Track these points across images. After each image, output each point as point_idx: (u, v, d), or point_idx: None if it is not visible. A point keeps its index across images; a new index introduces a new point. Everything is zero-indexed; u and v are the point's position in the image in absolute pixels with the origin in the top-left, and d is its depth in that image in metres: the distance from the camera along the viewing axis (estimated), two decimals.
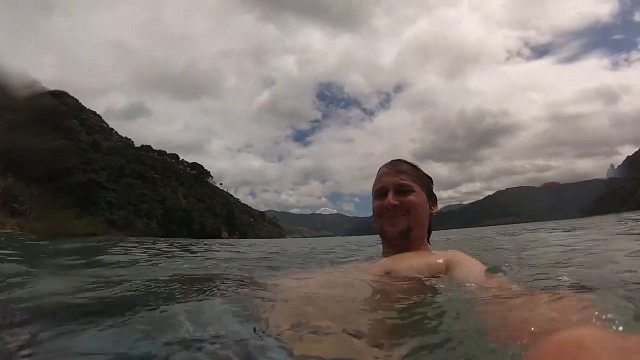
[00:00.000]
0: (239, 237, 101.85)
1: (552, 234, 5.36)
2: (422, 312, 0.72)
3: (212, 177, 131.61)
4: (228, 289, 0.93)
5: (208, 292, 0.88)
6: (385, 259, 1.22)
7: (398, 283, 0.98)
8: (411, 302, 0.80)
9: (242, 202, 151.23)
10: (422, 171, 1.34)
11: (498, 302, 0.71)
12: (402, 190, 1.24)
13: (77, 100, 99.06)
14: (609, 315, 0.54)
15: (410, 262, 1.09)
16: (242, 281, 1.06)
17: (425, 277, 0.98)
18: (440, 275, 0.99)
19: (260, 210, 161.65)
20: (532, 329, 0.52)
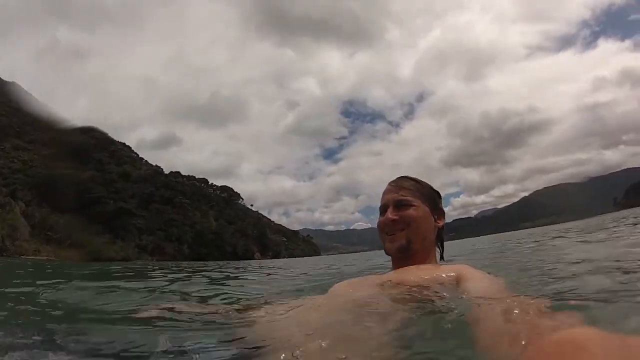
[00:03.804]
0: (272, 257, 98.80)
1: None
2: (425, 327, 0.72)
3: (243, 199, 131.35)
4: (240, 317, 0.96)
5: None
6: (393, 271, 1.28)
7: (405, 296, 0.99)
8: (416, 315, 0.81)
9: (276, 222, 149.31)
10: (426, 186, 1.39)
11: (504, 315, 0.71)
12: (401, 205, 1.30)
13: (107, 134, 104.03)
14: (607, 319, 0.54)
15: (418, 274, 1.12)
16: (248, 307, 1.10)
17: (433, 289, 1.00)
18: (448, 288, 1.00)
19: (295, 229, 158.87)
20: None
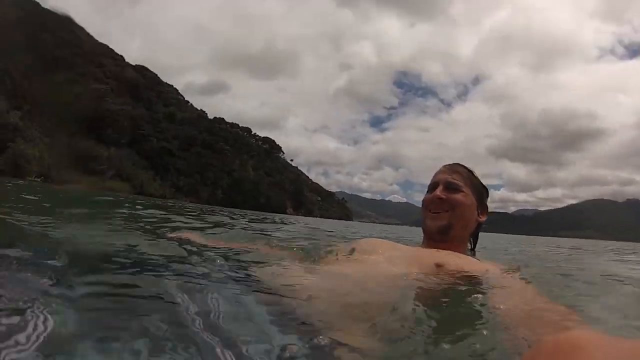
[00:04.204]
0: (305, 215, 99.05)
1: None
2: (460, 319, 0.73)
3: (284, 153, 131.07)
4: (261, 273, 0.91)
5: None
6: (434, 249, 1.25)
7: (448, 282, 1.01)
8: (455, 305, 0.82)
9: (313, 181, 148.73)
10: (478, 179, 1.41)
11: (533, 319, 0.71)
12: (451, 187, 1.31)
13: (157, 75, 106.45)
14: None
15: (460, 262, 1.13)
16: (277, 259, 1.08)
17: (472, 281, 1.02)
18: (485, 283, 1.02)
19: (332, 190, 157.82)
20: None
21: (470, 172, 1.38)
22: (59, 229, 1.68)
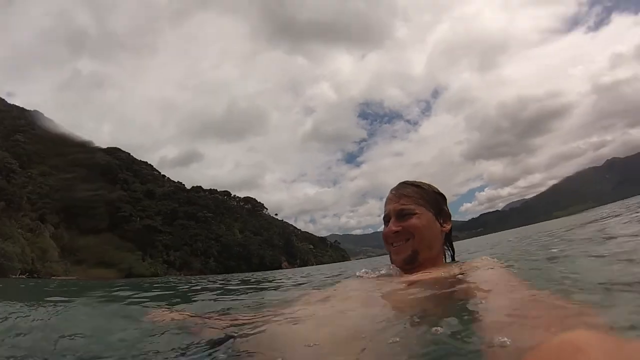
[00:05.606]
0: (300, 266, 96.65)
1: None
2: (433, 326, 0.72)
3: (267, 209, 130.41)
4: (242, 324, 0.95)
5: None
6: (404, 275, 1.25)
7: (417, 296, 0.98)
8: (424, 315, 0.80)
9: (302, 230, 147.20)
10: (429, 190, 1.34)
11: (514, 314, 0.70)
12: (403, 215, 1.26)
13: (130, 154, 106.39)
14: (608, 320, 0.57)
15: (431, 275, 1.12)
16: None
17: (445, 289, 1.00)
18: (460, 287, 0.99)
19: (323, 235, 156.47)
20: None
21: (418, 186, 1.33)
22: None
